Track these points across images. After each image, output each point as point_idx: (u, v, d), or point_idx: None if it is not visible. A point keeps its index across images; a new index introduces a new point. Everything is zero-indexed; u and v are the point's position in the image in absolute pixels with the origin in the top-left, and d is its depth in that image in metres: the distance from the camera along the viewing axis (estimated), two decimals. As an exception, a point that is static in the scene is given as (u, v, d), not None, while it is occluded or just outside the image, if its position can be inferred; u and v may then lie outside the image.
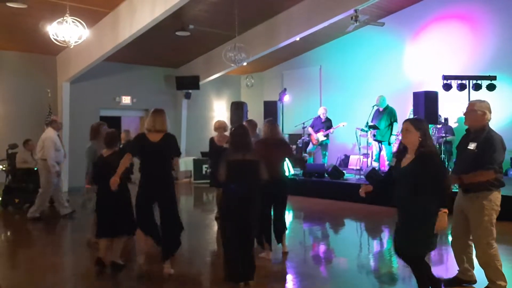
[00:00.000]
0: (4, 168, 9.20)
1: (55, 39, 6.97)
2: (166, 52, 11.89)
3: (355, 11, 9.12)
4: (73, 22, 6.87)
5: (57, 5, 7.59)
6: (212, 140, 7.14)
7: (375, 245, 6.46)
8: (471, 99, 4.09)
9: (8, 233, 7.23)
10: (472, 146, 3.85)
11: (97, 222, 4.93)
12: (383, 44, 11.53)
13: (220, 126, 7.28)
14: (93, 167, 5.26)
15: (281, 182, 5.29)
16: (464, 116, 4.09)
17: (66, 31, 6.93)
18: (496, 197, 3.85)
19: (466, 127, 4.10)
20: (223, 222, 4.43)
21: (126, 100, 12.43)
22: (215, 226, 7.24)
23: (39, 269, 5.15)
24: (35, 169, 8.33)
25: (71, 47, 7.30)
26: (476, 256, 3.98)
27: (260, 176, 4.25)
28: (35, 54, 10.67)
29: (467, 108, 3.98)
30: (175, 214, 4.72)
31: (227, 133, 7.21)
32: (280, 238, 5.49)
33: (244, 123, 6.94)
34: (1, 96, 10.31)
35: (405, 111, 10.14)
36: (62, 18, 6.84)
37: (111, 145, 4.90)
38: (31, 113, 10.47)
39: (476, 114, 3.87)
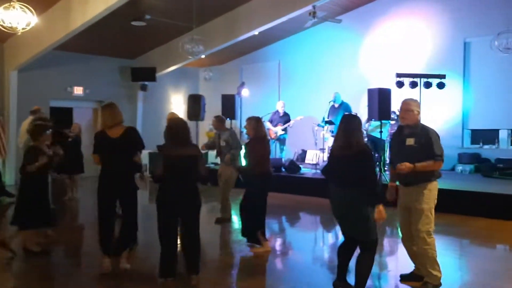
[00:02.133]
0: None
1: (1, 25, 6.62)
2: (122, 42, 11.56)
3: (313, 7, 9.24)
4: (21, 7, 6.53)
5: (3, -11, 7.16)
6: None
7: (329, 237, 6.60)
8: (408, 97, 4.23)
9: None
10: (411, 141, 4.03)
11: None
12: (340, 41, 11.74)
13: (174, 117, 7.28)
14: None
15: (272, 177, 5.53)
16: (399, 115, 4.27)
17: (13, 17, 6.58)
18: (435, 186, 4.06)
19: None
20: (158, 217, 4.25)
21: (78, 90, 11.98)
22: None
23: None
24: None
25: (19, 34, 6.96)
26: (415, 246, 4.10)
27: (200, 170, 4.21)
28: (-21, 40, 10.08)
29: (403, 108, 4.12)
30: (134, 211, 4.60)
31: None
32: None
33: (213, 118, 7.04)
34: None
35: (360, 107, 10.39)
36: (8, 3, 6.49)
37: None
38: (-26, 102, 9.91)
39: (413, 113, 4.07)
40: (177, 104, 14.14)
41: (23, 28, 6.72)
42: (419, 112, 4.15)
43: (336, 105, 10.11)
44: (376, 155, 9.17)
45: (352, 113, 3.69)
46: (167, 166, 4.09)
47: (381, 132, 8.60)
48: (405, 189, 4.12)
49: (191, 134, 4.33)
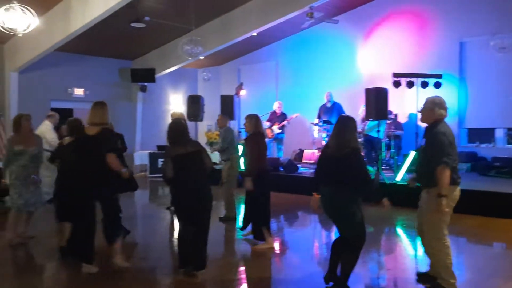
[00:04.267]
0: None
1: (1, 27, 6.70)
2: (121, 44, 11.64)
3: (310, 8, 9.33)
4: (21, 9, 6.62)
5: (4, -9, 7.24)
6: None
7: (327, 236, 6.68)
8: (418, 96, 4.19)
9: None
10: (424, 142, 3.98)
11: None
12: (337, 41, 11.84)
13: (177, 117, 7.46)
14: None
15: (270, 173, 5.74)
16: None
17: (14, 18, 6.67)
18: (450, 191, 3.79)
19: (414, 122, 4.29)
20: (177, 215, 4.49)
21: (78, 92, 12.07)
22: (169, 218, 7.29)
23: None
24: None
25: (20, 35, 7.04)
26: (425, 245, 4.08)
27: (206, 165, 4.34)
28: (-21, 42, 10.16)
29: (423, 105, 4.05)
30: (114, 208, 4.59)
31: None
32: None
33: (219, 116, 7.23)
34: None
35: (357, 106, 10.48)
36: (9, 5, 6.58)
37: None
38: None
39: (427, 111, 3.96)
40: (176, 104, 14.22)
41: (23, 30, 6.82)
42: (432, 110, 3.92)
43: (329, 105, 10.25)
44: (373, 154, 9.28)
45: (348, 115, 3.78)
46: (176, 167, 4.21)
47: (378, 131, 8.69)
48: (422, 191, 4.07)
49: (189, 131, 4.45)
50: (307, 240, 6.43)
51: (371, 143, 9.37)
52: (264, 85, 13.43)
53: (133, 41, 11.53)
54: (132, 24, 9.93)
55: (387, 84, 9.44)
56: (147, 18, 9.75)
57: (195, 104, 10.14)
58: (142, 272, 4.66)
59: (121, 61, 12.96)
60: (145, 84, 12.97)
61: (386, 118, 8.92)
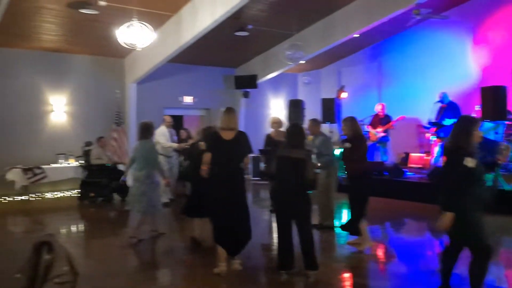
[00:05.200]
0: (81, 164, 9.91)
1: (123, 43, 7.42)
2: (225, 53, 12.18)
3: (417, 5, 8.89)
4: (140, 25, 7.29)
5: (125, 10, 8.04)
6: (269, 136, 7.53)
7: (437, 245, 6.29)
8: None
9: (84, 225, 7.80)
10: None
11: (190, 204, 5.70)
12: (446, 38, 11.09)
13: (275, 122, 7.71)
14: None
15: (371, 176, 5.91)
16: None
17: (133, 34, 7.36)
18: None
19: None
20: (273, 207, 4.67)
21: (187, 99, 12.89)
22: (271, 220, 7.40)
23: (112, 257, 5.54)
24: (108, 165, 8.91)
25: (139, 49, 7.74)
26: None
27: (307, 174, 4.35)
28: (105, 57, 11.34)
29: None
30: (245, 208, 4.77)
31: (282, 129, 7.53)
32: None
33: (308, 121, 7.12)
34: (75, 97, 11.06)
35: (470, 107, 9.72)
36: (129, 22, 7.28)
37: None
38: (102, 112, 11.14)
39: None
40: (276, 109, 14.48)
41: (142, 44, 7.50)
42: None
43: (444, 105, 9.59)
44: (489, 157, 8.51)
45: (467, 115, 3.55)
46: (277, 165, 4.42)
47: (496, 133, 7.97)
48: None
49: (305, 140, 4.56)
50: (415, 248, 6.10)
51: (487, 146, 8.59)
52: (366, 87, 13.07)
53: (236, 49, 12.00)
54: (236, 33, 10.35)
55: (505, 82, 8.62)
56: (250, 26, 10.09)
57: (296, 108, 10.25)
58: (249, 271, 4.81)
59: (225, 69, 13.57)
60: (248, 90, 13.41)
61: (505, 119, 8.15)
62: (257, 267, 5.07)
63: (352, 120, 5.68)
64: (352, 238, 5.76)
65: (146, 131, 6.13)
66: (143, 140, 6.10)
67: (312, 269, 4.38)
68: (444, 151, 3.81)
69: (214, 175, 4.69)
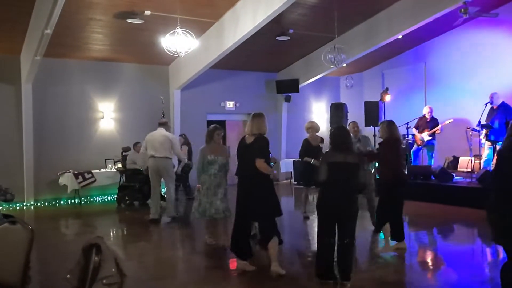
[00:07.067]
0: (117, 169, 10.26)
1: (167, 50, 7.62)
2: (267, 57, 12.24)
3: (464, 3, 8.56)
4: (183, 33, 7.46)
5: (169, 19, 8.26)
6: (307, 140, 7.58)
7: (489, 252, 6.01)
8: None
9: (123, 228, 8.01)
10: None
11: None
12: (496, 37, 10.59)
13: (310, 127, 7.72)
14: None
15: (404, 181, 5.83)
16: None
17: (177, 42, 7.54)
18: None
19: None
20: (318, 220, 4.57)
21: (230, 104, 13.04)
22: (313, 226, 7.33)
23: (152, 261, 5.68)
24: (141, 169, 9.08)
25: (182, 56, 7.92)
26: None
27: (358, 180, 4.32)
28: (150, 65, 11.70)
29: None
30: (267, 207, 4.76)
31: (318, 134, 7.83)
32: None
33: (350, 123, 7.16)
34: (121, 103, 11.48)
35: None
36: (173, 30, 7.46)
37: None
38: (146, 118, 11.46)
39: None
40: (318, 113, 14.38)
41: (185, 52, 7.66)
42: None
43: (495, 107, 9.18)
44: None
45: None
46: (329, 172, 4.31)
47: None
48: None
49: (352, 143, 4.52)
50: (465, 256, 5.86)
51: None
52: (410, 89, 12.72)
53: (278, 54, 12.03)
54: (278, 38, 10.38)
55: None
56: (291, 31, 10.09)
57: (338, 111, 10.10)
58: (292, 276, 4.77)
59: (266, 74, 13.63)
60: (289, 94, 13.40)
61: None
62: (301, 272, 5.04)
63: (389, 122, 5.73)
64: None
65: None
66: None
67: (347, 280, 4.26)
68: (497, 154, 3.60)
69: (238, 178, 4.97)
